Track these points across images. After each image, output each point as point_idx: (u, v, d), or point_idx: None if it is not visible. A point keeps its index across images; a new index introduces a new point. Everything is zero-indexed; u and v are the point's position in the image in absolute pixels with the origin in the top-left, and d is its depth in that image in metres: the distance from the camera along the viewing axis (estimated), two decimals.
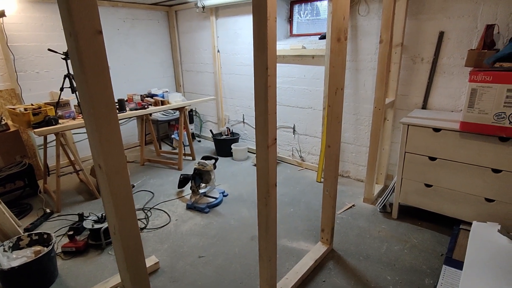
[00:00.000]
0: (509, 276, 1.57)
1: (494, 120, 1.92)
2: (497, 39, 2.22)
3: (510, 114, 1.85)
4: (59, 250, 2.27)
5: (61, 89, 2.86)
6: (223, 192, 3.04)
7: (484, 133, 1.98)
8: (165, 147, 4.64)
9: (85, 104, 0.77)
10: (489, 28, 2.12)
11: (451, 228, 2.36)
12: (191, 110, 4.81)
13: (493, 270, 1.62)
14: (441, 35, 2.48)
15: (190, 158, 4.05)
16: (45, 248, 2.00)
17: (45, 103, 2.88)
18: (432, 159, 2.26)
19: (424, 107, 2.69)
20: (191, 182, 2.88)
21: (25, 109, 2.65)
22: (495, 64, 1.88)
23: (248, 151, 4.10)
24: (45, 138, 3.00)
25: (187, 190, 3.15)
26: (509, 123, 1.87)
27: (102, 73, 0.75)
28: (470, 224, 2.09)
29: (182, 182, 3.06)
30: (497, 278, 1.56)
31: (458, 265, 1.79)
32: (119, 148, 0.80)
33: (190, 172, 3.01)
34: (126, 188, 0.84)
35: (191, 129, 4.78)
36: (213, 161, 2.98)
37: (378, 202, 2.76)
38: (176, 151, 4.15)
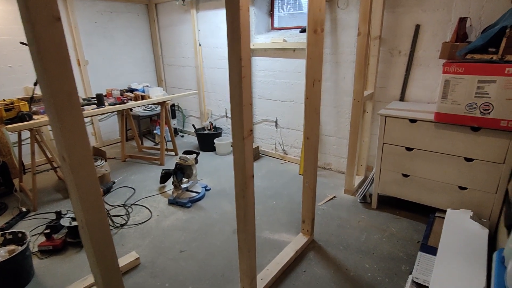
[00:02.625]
0: (480, 260, 1.64)
1: (466, 111, 1.97)
2: (469, 32, 2.28)
3: (481, 105, 1.91)
4: (36, 249, 2.21)
5: (35, 84, 2.76)
6: (205, 187, 3.02)
7: (457, 123, 2.04)
8: (148, 143, 4.57)
9: (45, 94, 0.75)
10: (462, 21, 2.18)
11: (427, 216, 2.43)
12: (173, 105, 4.75)
13: (465, 255, 1.68)
14: (417, 28, 2.52)
15: (173, 153, 4.01)
16: (20, 247, 1.95)
17: (18, 99, 2.78)
18: (409, 149, 2.31)
19: (401, 99, 2.75)
20: (173, 177, 2.85)
21: None
22: (467, 56, 1.93)
23: (231, 145, 4.08)
24: (19, 135, 2.90)
25: (169, 185, 3.12)
26: (480, 113, 1.93)
27: (62, 61, 0.72)
28: (445, 211, 2.15)
29: (164, 177, 3.02)
30: (469, 263, 1.62)
31: (433, 251, 1.84)
32: (83, 139, 0.78)
33: (172, 167, 2.98)
34: (92, 180, 0.82)
35: (174, 124, 4.73)
36: (194, 155, 2.95)
37: (358, 193, 2.81)
38: (158, 146, 4.10)
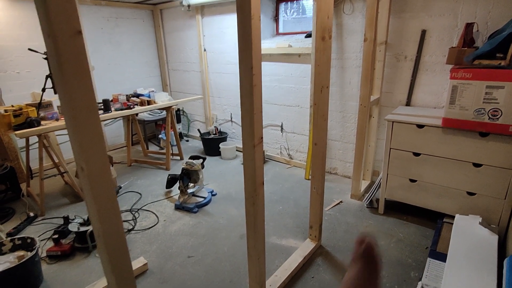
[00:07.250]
0: (490, 267, 1.63)
1: (474, 116, 1.97)
2: (476, 37, 2.28)
3: (489, 110, 1.91)
4: (44, 254, 2.22)
5: (43, 90, 2.79)
6: (211, 192, 3.03)
7: (465, 129, 2.04)
8: (153, 147, 4.59)
9: (65, 107, 0.76)
10: (469, 26, 2.18)
11: (435, 222, 2.41)
12: (179, 110, 4.77)
13: (475, 261, 1.67)
14: (423, 33, 2.53)
15: (178, 158, 4.02)
16: (29, 252, 1.96)
17: (26, 104, 2.81)
18: (416, 154, 2.31)
19: (408, 104, 2.75)
20: (179, 182, 2.86)
21: (5, 111, 2.58)
22: (474, 62, 1.94)
23: (237, 150, 4.09)
24: (27, 140, 2.93)
25: (175, 190, 3.12)
26: (488, 119, 1.92)
27: (83, 74, 0.73)
28: (453, 217, 2.14)
29: (170, 182, 3.03)
30: (479, 269, 1.61)
31: (442, 257, 1.83)
32: (101, 150, 0.79)
33: (178, 172, 2.99)
34: (109, 190, 0.83)
35: (179, 128, 4.74)
36: (201, 160, 2.96)
37: (365, 198, 2.80)
38: (164, 151, 4.11)
